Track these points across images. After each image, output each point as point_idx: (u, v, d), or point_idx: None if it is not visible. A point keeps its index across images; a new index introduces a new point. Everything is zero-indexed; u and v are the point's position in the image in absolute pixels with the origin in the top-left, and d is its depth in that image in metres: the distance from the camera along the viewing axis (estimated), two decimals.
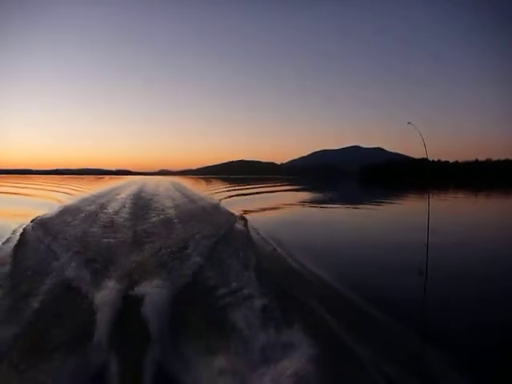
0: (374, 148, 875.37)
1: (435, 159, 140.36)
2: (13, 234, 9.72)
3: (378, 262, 8.07)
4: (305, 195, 33.26)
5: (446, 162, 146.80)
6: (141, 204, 17.69)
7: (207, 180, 73.86)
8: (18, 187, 40.71)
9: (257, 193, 35.09)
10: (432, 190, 35.01)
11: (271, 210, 19.01)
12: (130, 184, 40.14)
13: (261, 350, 3.71)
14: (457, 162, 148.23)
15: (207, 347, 3.75)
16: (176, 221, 12.17)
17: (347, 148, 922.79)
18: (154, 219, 12.60)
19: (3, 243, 8.68)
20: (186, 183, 48.63)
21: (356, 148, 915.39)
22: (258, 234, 10.42)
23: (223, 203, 19.58)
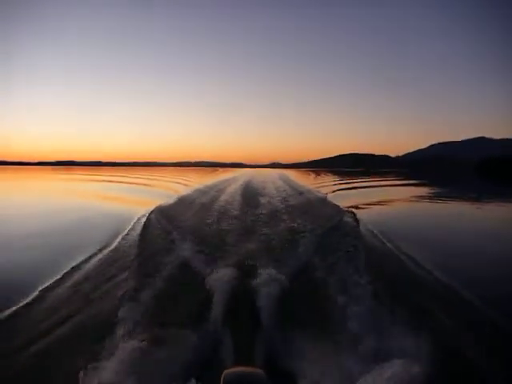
0: (503, 139, 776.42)
1: None
2: (138, 220, 10.84)
3: (504, 264, 7.21)
4: (420, 189, 31.00)
5: None
6: (250, 195, 18.24)
7: (317, 173, 73.24)
8: (145, 178, 45.25)
9: (367, 186, 33.70)
10: None
11: (382, 205, 18.08)
12: (241, 176, 41.75)
13: (369, 348, 3.54)
14: None
15: (314, 338, 3.73)
16: (283, 212, 12.29)
17: (471, 139, 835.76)
18: (262, 210, 12.91)
19: (130, 229, 9.74)
20: (295, 176, 48.82)
21: (481, 139, 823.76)
22: (368, 228, 9.99)
23: (331, 196, 19.20)
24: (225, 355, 3.55)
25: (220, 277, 5.22)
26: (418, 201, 20.88)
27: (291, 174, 54.50)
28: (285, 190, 21.32)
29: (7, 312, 4.67)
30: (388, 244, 8.31)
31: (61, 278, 5.92)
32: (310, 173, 72.09)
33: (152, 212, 11.64)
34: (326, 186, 30.38)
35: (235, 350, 3.60)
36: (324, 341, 3.64)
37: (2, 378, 3.33)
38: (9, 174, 70.85)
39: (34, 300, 5.09)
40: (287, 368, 3.39)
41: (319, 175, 59.92)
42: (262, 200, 16.00)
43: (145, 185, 32.46)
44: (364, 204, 17.20)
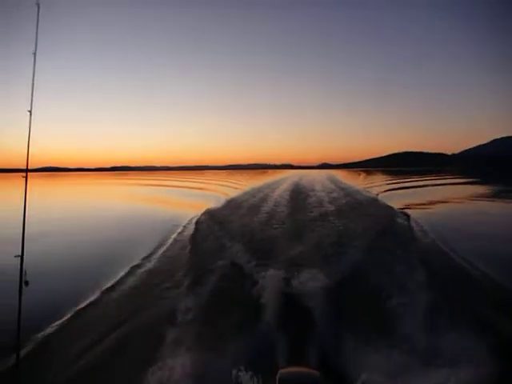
0: None
1: None
2: (189, 222, 11.19)
3: None
4: (478, 189, 29.26)
5: None
6: (297, 196, 18.15)
7: (368, 173, 71.35)
8: (193, 181, 46.52)
9: (421, 186, 32.33)
10: None
11: (436, 205, 17.31)
12: (289, 177, 41.61)
13: (425, 350, 3.44)
14: None
15: (368, 339, 3.65)
16: (332, 213, 12.13)
17: None
18: (310, 211, 12.85)
19: (181, 230, 10.08)
20: (345, 177, 47.95)
21: None
22: (422, 229, 9.63)
23: (382, 197, 18.70)
24: (279, 355, 3.57)
25: (271, 278, 5.25)
26: (472, 200, 19.77)
27: (342, 175, 53.52)
28: (334, 192, 21.01)
29: (69, 313, 4.97)
30: (442, 245, 7.97)
31: (119, 280, 6.26)
32: (362, 173, 70.32)
33: (202, 215, 11.94)
34: (376, 186, 29.62)
35: (289, 350, 3.62)
36: (378, 342, 3.56)
37: (67, 378, 3.53)
38: (78, 180, 75.42)
39: (94, 301, 5.40)
40: (342, 369, 3.35)
41: (371, 176, 58.36)
42: (310, 202, 15.87)
43: (196, 188, 33.39)
44: (417, 204, 16.59)
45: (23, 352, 2.84)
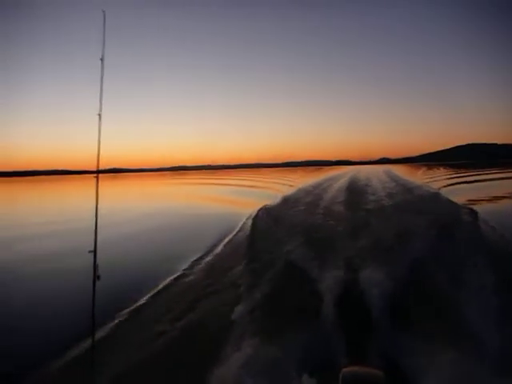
0: None
1: None
2: (246, 220, 11.39)
3: None
4: None
5: None
6: (354, 193, 17.71)
7: (429, 167, 67.94)
8: (249, 180, 47.07)
9: (488, 179, 30.25)
10: None
11: (508, 200, 16.12)
12: (347, 173, 40.73)
13: (496, 356, 3.25)
14: None
15: (433, 340, 3.55)
16: (391, 210, 11.79)
17: None
18: (367, 208, 12.55)
19: (240, 228, 10.28)
20: (406, 172, 46.02)
21: None
22: (491, 227, 9.04)
23: (444, 191, 17.77)
24: (341, 354, 3.56)
25: (331, 275, 5.20)
26: None
27: (402, 171, 51.48)
28: (391, 188, 20.28)
29: (136, 305, 5.29)
30: None
31: (181, 274, 6.54)
32: (423, 167, 67.07)
33: (258, 212, 12.06)
34: (439, 180, 28.27)
35: (352, 350, 3.60)
36: (444, 344, 3.41)
37: (133, 364, 3.76)
38: (143, 181, 79.25)
39: (156, 294, 5.72)
40: (406, 371, 3.29)
41: (432, 170, 55.60)
42: (367, 199, 15.44)
43: (253, 187, 33.97)
44: (483, 199, 15.57)
45: (97, 340, 3.07)
